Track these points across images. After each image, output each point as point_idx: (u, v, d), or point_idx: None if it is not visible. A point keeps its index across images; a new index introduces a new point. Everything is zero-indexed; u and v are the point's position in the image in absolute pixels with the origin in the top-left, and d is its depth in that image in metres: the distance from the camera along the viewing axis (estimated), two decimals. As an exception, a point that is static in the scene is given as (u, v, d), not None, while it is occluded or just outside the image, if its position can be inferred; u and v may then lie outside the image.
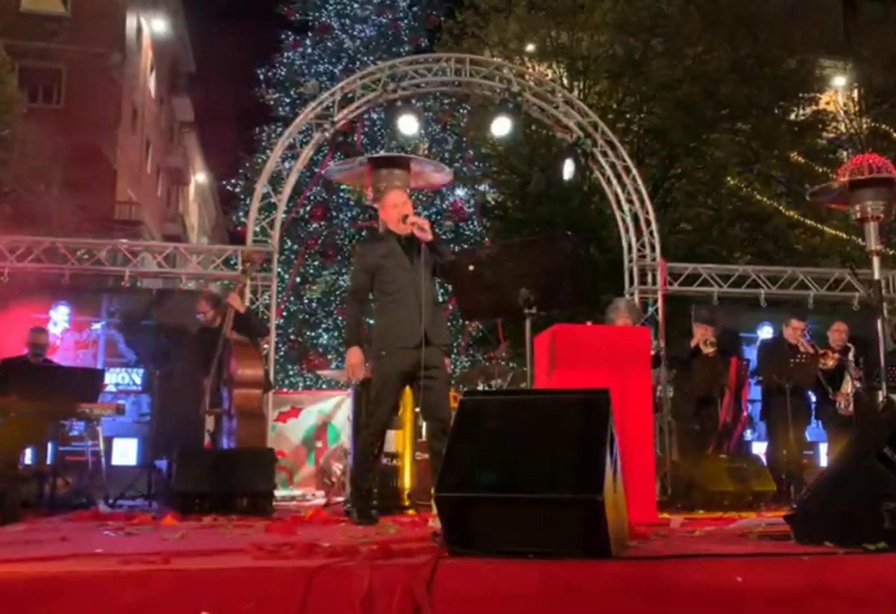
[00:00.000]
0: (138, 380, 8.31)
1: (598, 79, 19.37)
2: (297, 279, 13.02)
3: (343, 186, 12.10)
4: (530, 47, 19.38)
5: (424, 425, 5.27)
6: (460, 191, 14.49)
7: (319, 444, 8.49)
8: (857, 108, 20.17)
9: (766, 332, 9.07)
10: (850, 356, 7.12)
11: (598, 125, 9.16)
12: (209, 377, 6.23)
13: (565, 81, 18.67)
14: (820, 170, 17.68)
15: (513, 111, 8.82)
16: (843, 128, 20.12)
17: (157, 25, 26.11)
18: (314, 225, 13.40)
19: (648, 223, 9.01)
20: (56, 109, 20.52)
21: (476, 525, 2.56)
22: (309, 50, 14.79)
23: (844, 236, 17.31)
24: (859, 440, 3.18)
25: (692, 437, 7.21)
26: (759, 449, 7.81)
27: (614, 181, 9.12)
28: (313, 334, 13.29)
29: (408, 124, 8.51)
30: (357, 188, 8.29)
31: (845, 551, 2.58)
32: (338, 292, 13.36)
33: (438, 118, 14.48)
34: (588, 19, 18.81)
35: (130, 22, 23.43)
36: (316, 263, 13.53)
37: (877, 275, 7.03)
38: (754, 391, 7.48)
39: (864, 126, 19.69)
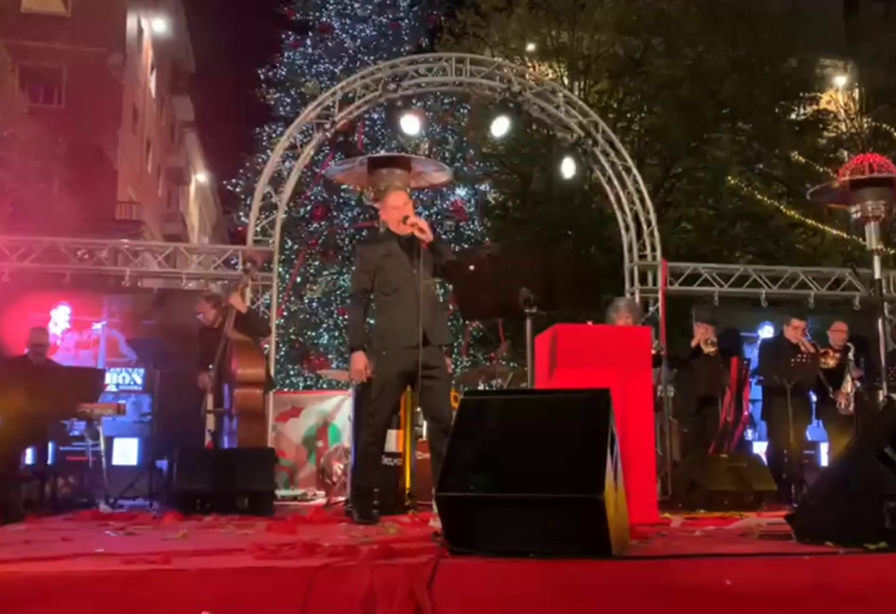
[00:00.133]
0: (139, 380, 8.30)
1: (598, 78, 19.40)
2: (298, 279, 13.02)
3: (343, 186, 12.09)
4: (531, 47, 19.40)
5: (425, 425, 5.27)
6: (461, 191, 14.48)
7: (320, 444, 8.49)
8: (857, 108, 20.17)
9: (766, 332, 9.06)
10: (851, 356, 7.12)
11: (598, 125, 9.15)
12: (209, 376, 6.24)
13: (566, 81, 18.68)
14: (821, 169, 17.69)
15: (513, 111, 8.82)
16: (843, 127, 20.13)
17: (157, 25, 26.11)
18: (314, 225, 13.41)
19: (649, 223, 9.02)
20: (57, 109, 20.53)
21: (477, 524, 2.56)
22: (309, 50, 14.77)
23: (845, 236, 17.30)
24: (860, 440, 3.18)
25: (693, 437, 7.22)
26: (760, 449, 7.80)
27: (615, 181, 9.11)
28: (314, 334, 13.29)
29: (410, 124, 8.51)
30: (357, 188, 8.27)
31: (846, 551, 2.58)
32: (338, 292, 13.36)
33: (439, 118, 14.46)
34: (589, 19, 18.85)
35: (131, 22, 23.42)
36: (316, 263, 13.53)
37: (877, 275, 7.01)
38: (755, 391, 7.46)
39: (865, 125, 19.68)
